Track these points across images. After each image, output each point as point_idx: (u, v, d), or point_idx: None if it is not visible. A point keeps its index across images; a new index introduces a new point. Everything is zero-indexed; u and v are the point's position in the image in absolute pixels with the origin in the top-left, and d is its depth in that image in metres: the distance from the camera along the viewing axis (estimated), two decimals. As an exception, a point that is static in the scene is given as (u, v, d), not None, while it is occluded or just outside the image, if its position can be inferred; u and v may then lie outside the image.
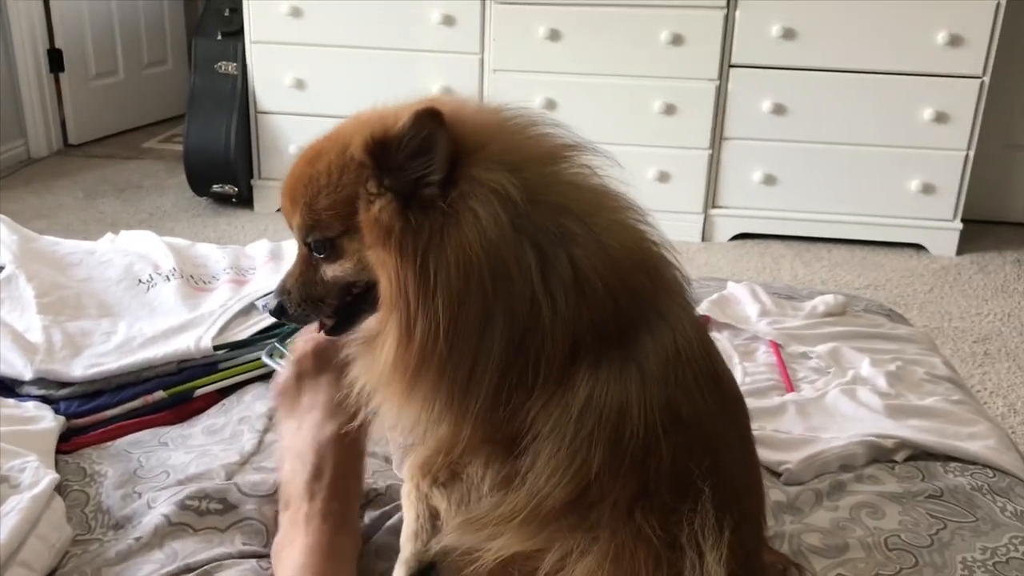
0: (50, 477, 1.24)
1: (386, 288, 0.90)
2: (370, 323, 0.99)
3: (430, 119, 0.87)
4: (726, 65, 3.78)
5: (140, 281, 1.78)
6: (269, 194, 4.15)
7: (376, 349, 0.93)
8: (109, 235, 2.06)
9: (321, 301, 1.00)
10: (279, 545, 1.14)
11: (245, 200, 4.19)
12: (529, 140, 0.95)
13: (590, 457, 0.90)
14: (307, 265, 0.99)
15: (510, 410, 0.90)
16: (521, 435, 0.91)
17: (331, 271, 0.97)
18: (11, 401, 1.43)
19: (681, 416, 0.92)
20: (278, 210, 4.12)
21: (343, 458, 1.14)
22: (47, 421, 1.39)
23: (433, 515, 1.02)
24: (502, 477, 0.94)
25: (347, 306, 1.00)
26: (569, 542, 0.93)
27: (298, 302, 1.00)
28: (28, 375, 1.48)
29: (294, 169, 0.97)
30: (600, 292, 0.89)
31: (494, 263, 0.87)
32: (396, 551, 1.15)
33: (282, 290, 1.01)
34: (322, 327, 1.04)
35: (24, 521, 1.14)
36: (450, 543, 0.99)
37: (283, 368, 1.52)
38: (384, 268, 0.90)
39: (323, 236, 0.95)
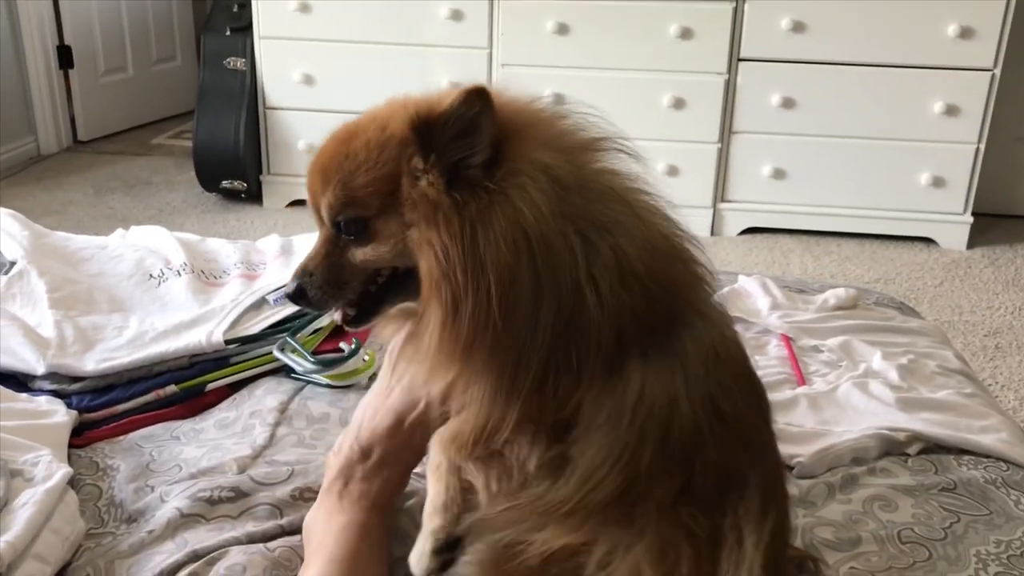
0: (63, 471, 1.25)
1: (431, 268, 0.87)
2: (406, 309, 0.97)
3: (479, 98, 0.86)
4: (735, 59, 3.77)
5: (151, 276, 1.79)
6: (278, 190, 4.15)
7: (420, 334, 0.91)
8: (120, 230, 2.07)
9: (346, 285, 0.95)
10: (313, 515, 1.14)
11: (254, 196, 4.20)
12: (564, 130, 0.94)
13: (641, 450, 0.89)
14: (333, 247, 0.95)
15: (557, 396, 0.89)
16: (569, 422, 0.90)
17: (361, 254, 0.93)
18: (24, 395, 1.44)
19: (723, 413, 0.91)
20: (288, 205, 4.14)
21: (396, 448, 1.11)
22: (60, 415, 1.39)
23: (466, 488, 0.99)
24: (548, 460, 0.92)
25: (370, 296, 0.97)
26: (614, 537, 0.92)
27: (320, 285, 0.95)
28: (40, 370, 1.48)
29: (326, 147, 0.94)
30: (642, 282, 0.88)
31: (543, 242, 0.86)
32: (413, 538, 1.15)
33: (303, 272, 0.96)
34: (344, 318, 1.00)
35: (38, 514, 1.15)
36: (489, 527, 0.97)
37: (295, 362, 1.53)
38: (429, 247, 0.87)
39: (357, 215, 0.91)
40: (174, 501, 1.22)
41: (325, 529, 1.10)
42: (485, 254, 0.85)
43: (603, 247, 0.87)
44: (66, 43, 4.87)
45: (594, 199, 0.89)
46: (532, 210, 0.86)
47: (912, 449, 1.41)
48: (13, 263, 1.76)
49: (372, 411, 1.13)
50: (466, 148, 0.87)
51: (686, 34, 3.73)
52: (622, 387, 0.89)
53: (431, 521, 1.02)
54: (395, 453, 1.11)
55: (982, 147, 3.76)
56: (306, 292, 0.96)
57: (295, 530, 1.19)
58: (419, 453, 1.11)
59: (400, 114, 0.90)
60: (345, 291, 0.96)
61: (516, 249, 0.85)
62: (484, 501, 0.98)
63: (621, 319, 0.88)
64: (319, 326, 1.64)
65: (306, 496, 1.23)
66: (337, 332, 1.66)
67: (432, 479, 1.03)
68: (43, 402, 1.42)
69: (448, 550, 1.00)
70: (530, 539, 0.94)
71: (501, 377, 0.89)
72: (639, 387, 0.88)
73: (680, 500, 0.91)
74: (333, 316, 1.02)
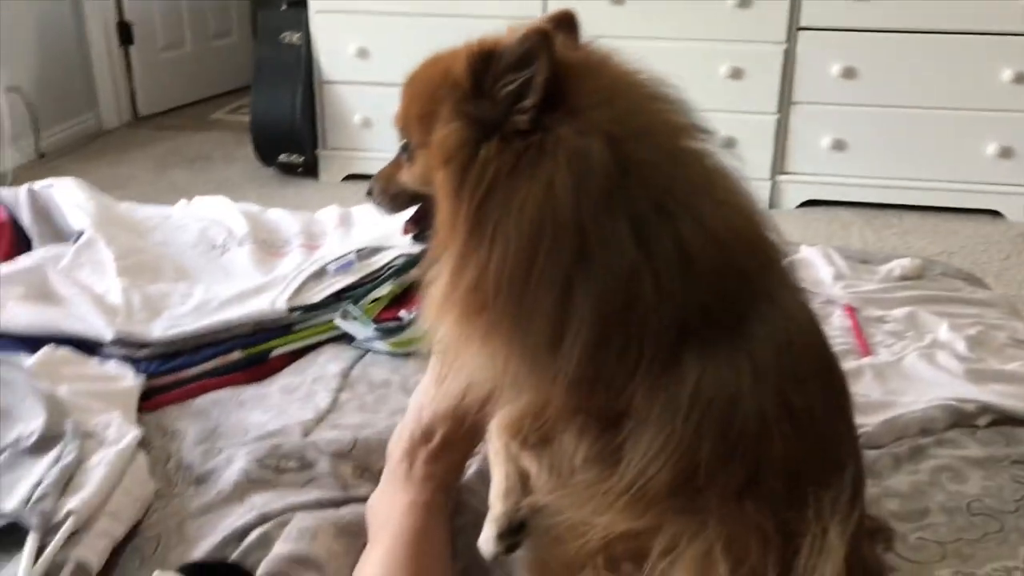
0: (133, 433, 1.28)
1: (440, 214, 0.89)
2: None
3: (537, 35, 0.83)
4: (794, 27, 3.69)
5: (214, 246, 1.81)
6: (334, 164, 4.18)
7: (435, 277, 0.91)
8: (183, 201, 2.10)
9: (393, 199, 1.03)
10: (377, 496, 1.15)
11: (311, 170, 4.23)
12: (652, 111, 0.92)
13: (697, 445, 0.86)
14: (399, 159, 1.01)
15: (611, 387, 0.87)
16: (622, 415, 0.88)
17: (405, 175, 0.99)
18: (94, 360, 1.47)
19: (794, 409, 0.89)
20: (344, 179, 4.17)
21: (457, 430, 1.11)
22: (128, 380, 1.42)
23: (524, 475, 1.00)
24: (596, 451, 0.91)
25: (428, 217, 0.97)
26: (677, 525, 0.90)
27: (379, 191, 1.05)
28: (108, 336, 1.51)
29: (418, 67, 0.98)
30: (707, 272, 0.85)
31: (571, 231, 0.82)
32: (470, 508, 1.16)
33: (377, 175, 1.06)
34: (406, 231, 1.06)
35: (111, 474, 1.18)
36: (550, 508, 0.97)
37: (356, 330, 1.54)
38: (441, 192, 0.88)
39: (407, 139, 0.97)
40: (240, 462, 1.24)
41: (390, 509, 1.11)
42: (496, 230, 0.83)
43: (663, 236, 0.84)
44: (126, 19, 4.94)
45: (653, 189, 0.85)
46: (553, 198, 0.82)
47: (981, 421, 1.38)
48: (81, 232, 1.79)
49: (430, 396, 1.14)
50: (518, 83, 0.83)
51: (744, 2, 3.67)
52: (677, 382, 0.86)
53: (495, 507, 1.04)
54: (456, 435, 1.12)
55: (1053, 116, 3.65)
56: (372, 192, 1.06)
57: (361, 499, 1.19)
58: (479, 435, 1.11)
59: (465, 52, 0.89)
60: (395, 203, 1.04)
61: (535, 238, 0.82)
62: (538, 489, 0.99)
63: (685, 312, 0.85)
64: (379, 295, 1.65)
65: (366, 477, 1.24)
66: (397, 301, 1.67)
67: (494, 465, 1.05)
68: (112, 367, 1.45)
69: (513, 534, 1.02)
70: (592, 522, 0.93)
71: (529, 357, 0.87)
72: (695, 384, 0.86)
73: (746, 492, 0.89)
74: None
